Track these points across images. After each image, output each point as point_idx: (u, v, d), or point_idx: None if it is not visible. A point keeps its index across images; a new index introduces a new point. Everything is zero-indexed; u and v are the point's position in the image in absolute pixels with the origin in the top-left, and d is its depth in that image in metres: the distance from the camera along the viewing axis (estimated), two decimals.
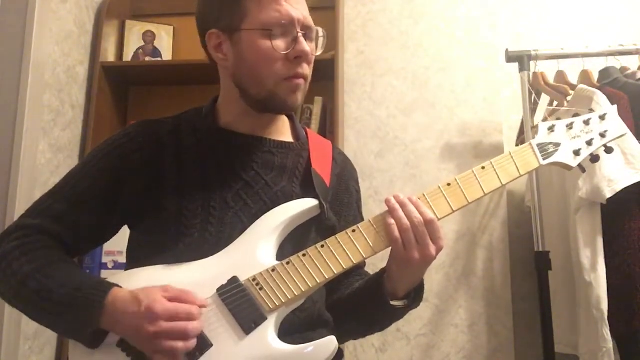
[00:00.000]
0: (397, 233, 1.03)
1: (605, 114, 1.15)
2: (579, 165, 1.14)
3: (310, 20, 1.13)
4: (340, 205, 1.21)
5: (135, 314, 0.95)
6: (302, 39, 1.10)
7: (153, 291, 0.98)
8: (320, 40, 1.16)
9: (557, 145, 1.12)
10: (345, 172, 1.27)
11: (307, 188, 1.14)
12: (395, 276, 1.08)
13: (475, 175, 1.08)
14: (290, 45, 1.09)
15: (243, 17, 1.09)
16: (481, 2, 2.60)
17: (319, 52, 1.15)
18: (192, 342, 0.97)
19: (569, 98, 2.03)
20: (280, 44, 1.08)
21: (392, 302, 1.09)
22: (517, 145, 2.30)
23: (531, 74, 2.10)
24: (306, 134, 1.26)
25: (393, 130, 2.51)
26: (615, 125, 1.15)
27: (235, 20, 1.10)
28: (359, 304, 1.15)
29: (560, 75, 2.12)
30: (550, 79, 2.13)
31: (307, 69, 1.12)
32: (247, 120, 1.17)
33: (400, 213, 1.03)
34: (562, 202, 2.01)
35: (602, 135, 1.14)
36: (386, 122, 2.52)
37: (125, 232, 1.20)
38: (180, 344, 0.95)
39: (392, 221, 1.04)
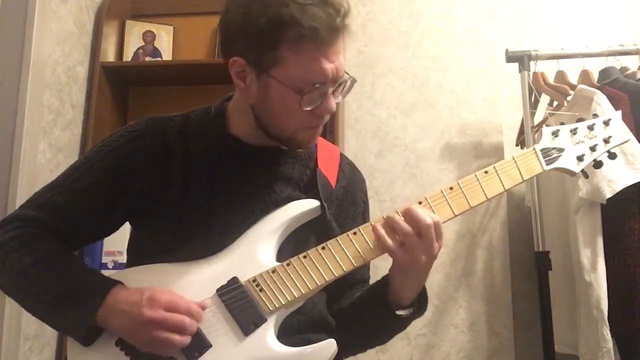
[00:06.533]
0: (391, 242, 1.02)
1: (609, 120, 1.14)
2: (582, 171, 1.13)
3: (342, 70, 1.06)
4: (345, 218, 1.19)
5: (136, 302, 0.96)
6: (331, 97, 1.06)
7: (156, 287, 0.99)
8: (347, 84, 1.10)
9: (561, 150, 1.11)
10: (352, 183, 1.25)
11: (312, 194, 1.13)
12: (400, 282, 1.07)
13: (478, 179, 1.08)
14: (317, 100, 1.04)
15: (276, 64, 1.02)
16: (481, 2, 2.59)
17: (341, 99, 1.11)
18: (187, 339, 0.97)
19: (569, 98, 2.03)
20: (308, 101, 1.04)
21: (397, 312, 1.08)
22: (517, 145, 2.30)
23: (531, 74, 2.10)
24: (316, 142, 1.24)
25: (393, 130, 2.51)
26: (620, 130, 1.14)
27: (266, 63, 1.03)
28: (361, 314, 1.13)
29: (560, 75, 2.11)
30: (550, 79, 2.13)
31: (327, 117, 1.10)
32: (257, 133, 1.13)
33: (402, 223, 1.01)
34: (562, 202, 2.01)
35: (606, 141, 1.13)
36: (386, 122, 2.52)
37: (125, 232, 1.19)
38: (176, 337, 0.95)
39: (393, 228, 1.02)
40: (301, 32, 0.98)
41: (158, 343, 0.95)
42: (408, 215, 1.01)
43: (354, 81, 1.10)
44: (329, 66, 1.02)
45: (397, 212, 1.04)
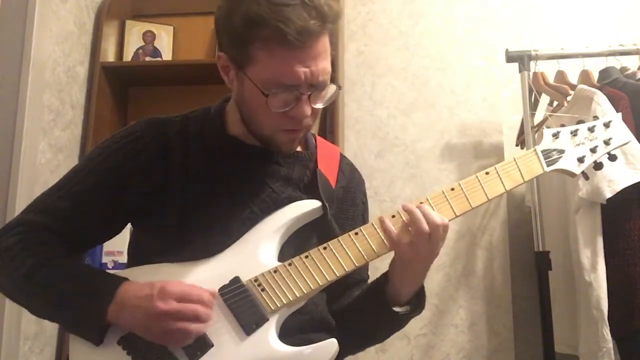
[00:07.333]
0: (398, 235, 1.03)
1: (609, 122, 1.15)
2: (582, 173, 1.14)
3: (322, 75, 1.02)
4: (345, 219, 1.19)
5: (148, 296, 0.96)
6: (303, 101, 1.02)
7: (166, 280, 1.00)
8: (330, 92, 1.07)
9: (561, 152, 1.12)
10: (352, 184, 1.25)
11: (312, 195, 1.13)
12: (400, 277, 1.08)
13: (479, 180, 1.08)
14: (291, 103, 1.02)
15: (249, 63, 1.02)
16: (481, 2, 2.60)
17: (322, 105, 1.07)
18: (203, 327, 0.97)
19: (569, 98, 2.03)
20: (278, 102, 1.02)
21: (394, 309, 1.08)
22: (517, 145, 2.30)
23: (531, 74, 2.10)
24: (315, 142, 1.24)
25: (393, 130, 2.51)
26: (620, 132, 1.15)
27: (241, 61, 1.03)
28: (359, 312, 1.14)
29: (560, 75, 2.12)
30: (550, 79, 2.13)
31: (307, 122, 1.07)
32: None
33: (419, 215, 1.02)
34: (562, 202, 2.01)
35: (606, 143, 1.14)
36: (386, 122, 2.52)
37: (125, 232, 1.19)
38: (192, 325, 0.95)
39: (410, 221, 1.03)
40: (269, 33, 0.97)
41: (174, 334, 0.96)
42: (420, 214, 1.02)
43: (338, 89, 1.09)
44: (301, 70, 0.99)
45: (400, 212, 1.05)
